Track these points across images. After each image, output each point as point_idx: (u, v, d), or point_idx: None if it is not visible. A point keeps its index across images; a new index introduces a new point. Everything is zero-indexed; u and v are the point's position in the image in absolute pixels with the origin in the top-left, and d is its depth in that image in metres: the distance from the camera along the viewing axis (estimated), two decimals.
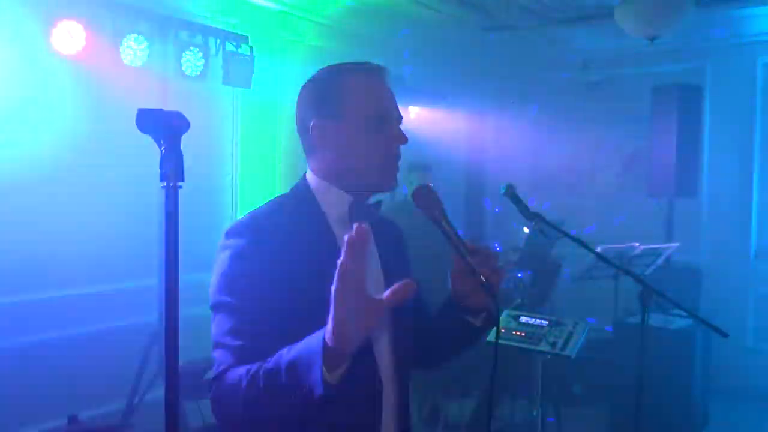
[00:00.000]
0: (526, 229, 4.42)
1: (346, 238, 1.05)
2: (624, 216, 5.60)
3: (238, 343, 1.30)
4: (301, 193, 1.49)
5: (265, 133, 4.85)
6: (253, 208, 1.50)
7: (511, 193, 2.57)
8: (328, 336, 1.09)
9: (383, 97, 1.46)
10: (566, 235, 2.58)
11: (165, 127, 0.92)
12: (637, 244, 4.05)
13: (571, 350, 3.13)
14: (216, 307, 1.39)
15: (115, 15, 3.51)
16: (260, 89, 4.41)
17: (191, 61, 3.90)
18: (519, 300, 4.00)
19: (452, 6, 5.26)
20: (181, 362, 3.11)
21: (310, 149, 1.49)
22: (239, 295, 1.34)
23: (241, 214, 4.57)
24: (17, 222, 3.46)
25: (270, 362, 1.21)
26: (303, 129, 1.48)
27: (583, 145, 6.31)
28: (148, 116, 0.93)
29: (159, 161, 0.92)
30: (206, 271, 4.92)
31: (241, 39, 4.22)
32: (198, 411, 3.07)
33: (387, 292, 1.08)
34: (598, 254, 2.61)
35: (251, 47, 4.25)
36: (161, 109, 0.94)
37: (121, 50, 3.52)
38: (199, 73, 3.95)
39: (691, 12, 4.01)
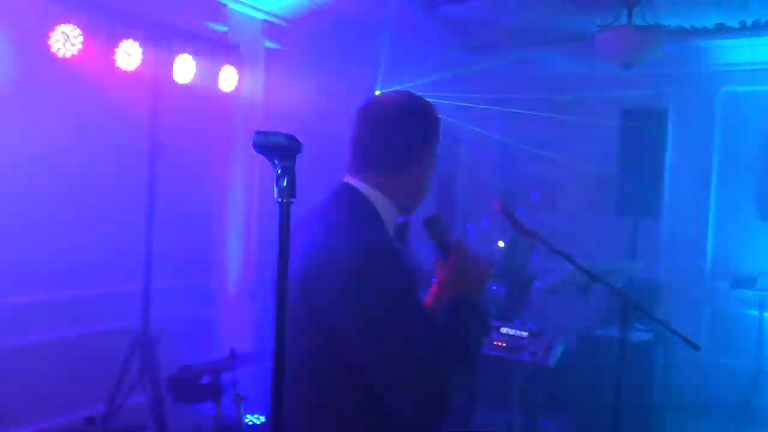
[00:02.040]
0: (501, 243, 4.58)
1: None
2: (592, 233, 5.82)
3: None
4: (361, 204, 1.58)
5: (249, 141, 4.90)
6: (339, 225, 1.56)
7: (506, 211, 2.72)
8: None
9: (439, 135, 1.68)
10: (558, 252, 2.74)
11: (279, 148, 1.00)
12: (605, 262, 4.25)
13: (551, 360, 3.30)
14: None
15: (112, 20, 3.54)
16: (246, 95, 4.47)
17: (183, 67, 3.94)
18: (495, 312, 4.15)
19: (432, 23, 5.42)
20: (176, 368, 3.15)
21: (392, 167, 1.59)
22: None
23: (231, 222, 4.65)
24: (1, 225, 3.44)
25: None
26: (399, 153, 1.60)
27: (552, 164, 6.54)
28: (264, 138, 1.01)
29: (274, 179, 1.00)
30: (187, 277, 4.93)
31: (230, 47, 4.28)
32: (195, 414, 3.10)
33: None
34: (585, 269, 2.78)
35: (240, 55, 4.31)
36: (278, 132, 1.02)
37: (116, 54, 3.55)
38: (190, 79, 4.00)
39: (665, 44, 4.25)
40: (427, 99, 1.67)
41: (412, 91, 1.68)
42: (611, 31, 4.26)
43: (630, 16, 4.39)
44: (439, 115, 1.66)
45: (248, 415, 3.49)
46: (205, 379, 2.86)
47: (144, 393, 3.77)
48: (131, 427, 2.82)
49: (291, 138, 1.04)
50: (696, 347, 2.97)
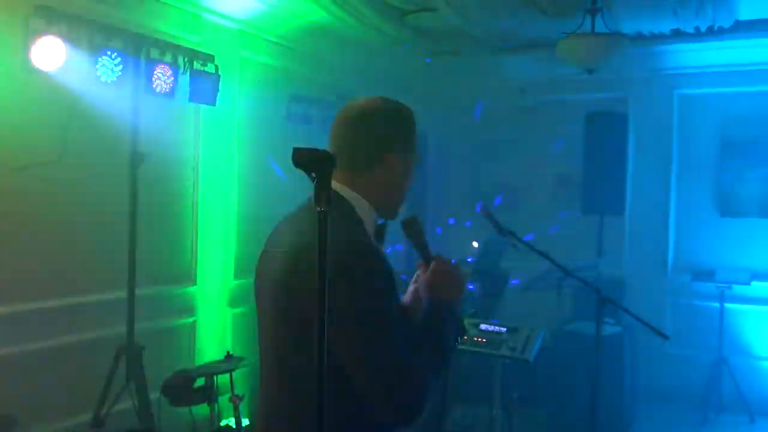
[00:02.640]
0: (475, 244, 4.73)
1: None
2: (559, 232, 6.03)
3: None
4: (340, 204, 1.57)
5: (224, 149, 4.96)
6: (305, 224, 1.58)
7: (486, 212, 2.86)
8: None
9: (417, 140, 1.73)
10: (536, 250, 2.90)
11: (317, 164, 1.11)
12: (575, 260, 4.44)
13: (530, 354, 3.45)
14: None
15: (92, 32, 3.58)
16: (218, 105, 4.53)
17: (161, 78, 4.00)
18: (472, 310, 4.29)
19: (401, 31, 5.55)
20: (171, 372, 3.22)
21: (361, 166, 1.62)
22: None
23: (201, 228, 4.71)
24: None
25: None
26: (369, 152, 1.64)
27: (519, 166, 6.74)
28: (303, 154, 1.12)
29: (313, 192, 1.11)
30: (168, 284, 5.01)
31: (207, 57, 4.34)
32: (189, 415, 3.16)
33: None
34: (561, 266, 2.94)
35: (216, 66, 4.38)
36: (315, 149, 1.13)
37: (97, 66, 3.59)
38: (168, 90, 4.05)
39: (626, 49, 4.46)
40: (402, 103, 1.71)
41: (386, 96, 1.70)
42: (575, 38, 4.45)
43: (593, 23, 4.59)
44: (413, 120, 1.69)
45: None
46: (200, 383, 2.93)
47: (131, 400, 3.80)
48: (140, 428, 2.87)
49: (326, 153, 1.15)
50: (665, 337, 3.16)
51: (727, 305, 5.90)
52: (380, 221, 1.73)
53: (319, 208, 1.10)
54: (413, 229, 1.73)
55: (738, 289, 5.87)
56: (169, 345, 4.45)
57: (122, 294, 3.92)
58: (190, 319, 4.71)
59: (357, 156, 1.64)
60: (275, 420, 1.61)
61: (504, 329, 3.57)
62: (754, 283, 5.90)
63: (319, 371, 1.11)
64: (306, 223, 1.52)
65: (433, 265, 1.69)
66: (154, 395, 3.83)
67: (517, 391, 5.14)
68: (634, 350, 5.50)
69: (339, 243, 1.34)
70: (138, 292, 3.95)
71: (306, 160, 1.13)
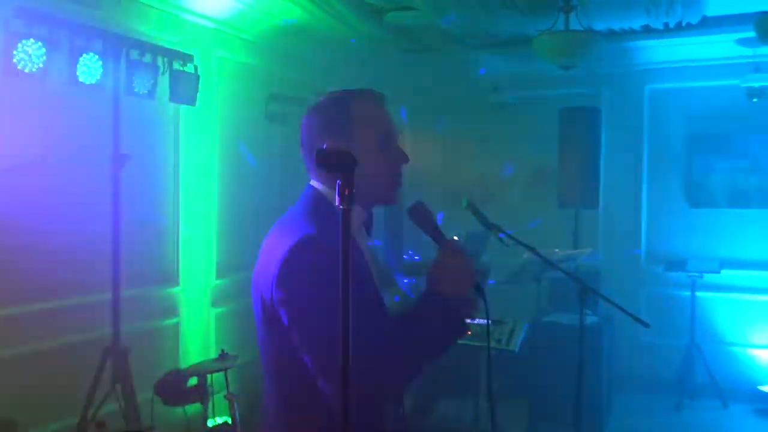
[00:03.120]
0: (455, 238, 4.78)
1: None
2: (536, 225, 6.13)
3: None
4: (315, 202, 1.65)
5: (204, 149, 4.96)
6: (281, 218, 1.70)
7: (472, 206, 2.92)
8: None
9: (387, 122, 1.69)
10: (523, 244, 2.96)
11: (341, 163, 1.15)
12: (558, 250, 4.53)
13: (515, 345, 3.53)
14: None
15: (73, 34, 3.56)
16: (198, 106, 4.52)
17: (142, 78, 3.99)
18: None
19: (376, 28, 5.59)
20: (163, 372, 3.24)
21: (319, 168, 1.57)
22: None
23: (183, 228, 4.70)
24: None
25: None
26: (312, 151, 1.63)
27: (495, 161, 6.84)
28: (327, 155, 1.16)
29: (337, 189, 1.14)
30: (151, 285, 5.01)
31: (186, 57, 4.33)
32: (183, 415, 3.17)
33: None
34: (545, 258, 3.01)
35: (196, 66, 4.37)
36: (339, 149, 1.17)
37: (78, 68, 3.57)
38: (148, 90, 4.04)
39: (601, 45, 4.57)
40: (368, 91, 1.67)
41: (351, 89, 1.66)
42: (551, 35, 4.54)
43: (567, 20, 4.68)
44: (348, 104, 1.63)
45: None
46: (193, 382, 2.94)
47: (117, 402, 3.79)
48: (142, 427, 2.87)
49: (348, 154, 1.19)
50: (646, 324, 3.25)
51: (699, 294, 6.08)
52: (370, 211, 1.73)
53: (341, 207, 1.15)
54: (418, 216, 1.67)
55: (709, 277, 6.04)
56: (154, 346, 4.44)
57: (104, 296, 3.91)
58: (174, 320, 4.70)
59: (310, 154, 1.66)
60: (264, 411, 1.71)
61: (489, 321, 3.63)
62: (724, 272, 6.08)
63: (344, 364, 1.15)
64: (277, 226, 1.65)
65: (437, 255, 1.63)
66: (140, 397, 3.83)
67: (498, 383, 5.26)
68: (611, 340, 5.63)
69: (291, 239, 1.50)
70: (121, 293, 3.94)
71: (329, 159, 1.17)
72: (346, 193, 1.12)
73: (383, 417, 1.65)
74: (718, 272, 6.06)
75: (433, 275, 1.61)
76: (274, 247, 1.57)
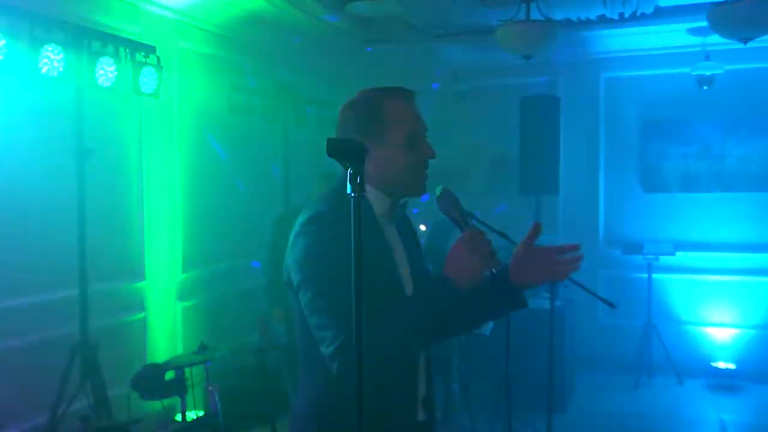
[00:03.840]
0: (422, 227, 4.86)
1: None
2: (499, 212, 6.25)
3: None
4: (344, 188, 1.72)
5: (167, 142, 4.90)
6: (313, 201, 1.80)
7: (449, 195, 2.97)
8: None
9: (416, 119, 1.78)
10: (495, 231, 3.03)
11: (350, 153, 1.19)
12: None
13: (486, 329, 3.61)
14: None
15: (33, 25, 3.48)
16: (160, 98, 4.47)
17: (105, 71, 3.92)
18: None
19: (340, 19, 5.60)
20: (142, 365, 3.22)
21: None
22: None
23: (148, 222, 4.64)
24: None
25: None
26: (348, 135, 1.73)
27: (455, 150, 6.92)
28: (337, 145, 1.20)
29: (347, 179, 1.19)
30: (117, 280, 4.96)
31: (148, 49, 4.27)
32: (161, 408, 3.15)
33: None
34: (515, 244, 3.08)
35: (158, 57, 4.31)
36: (348, 139, 1.21)
37: (39, 60, 3.50)
38: (111, 83, 3.98)
39: (559, 36, 4.67)
40: (398, 89, 1.77)
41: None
42: (513, 25, 4.62)
43: (527, 10, 4.78)
44: (382, 102, 1.72)
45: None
46: (170, 375, 2.93)
47: (86, 399, 3.75)
48: (129, 421, 2.85)
49: (359, 144, 1.23)
50: (612, 305, 3.36)
51: (655, 275, 6.30)
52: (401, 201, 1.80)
53: (353, 194, 1.20)
54: (446, 204, 1.74)
55: (664, 260, 6.27)
56: (121, 341, 4.40)
57: (69, 292, 3.85)
58: (141, 315, 4.65)
59: None
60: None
61: None
62: (678, 254, 6.31)
63: (357, 334, 1.19)
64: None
65: (458, 240, 1.66)
66: (110, 392, 3.80)
67: (469, 365, 5.35)
68: (572, 322, 5.79)
69: (308, 213, 1.67)
70: (90, 288, 3.89)
71: (339, 150, 1.22)
72: (358, 181, 1.16)
73: (397, 407, 1.73)
74: (673, 254, 6.29)
75: (447, 259, 1.64)
76: (297, 223, 1.72)
